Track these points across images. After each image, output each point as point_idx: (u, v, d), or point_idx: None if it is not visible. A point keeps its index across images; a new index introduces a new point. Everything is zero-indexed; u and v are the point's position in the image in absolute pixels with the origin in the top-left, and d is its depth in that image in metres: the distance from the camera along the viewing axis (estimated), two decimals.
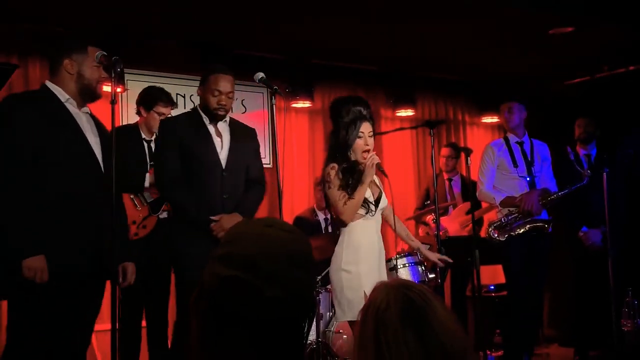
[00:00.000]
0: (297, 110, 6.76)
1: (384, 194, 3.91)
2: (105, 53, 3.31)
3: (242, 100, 6.50)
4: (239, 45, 6.10)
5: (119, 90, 5.43)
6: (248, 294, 1.29)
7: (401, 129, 6.04)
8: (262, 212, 6.35)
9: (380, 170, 3.76)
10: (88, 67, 3.32)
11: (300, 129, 6.84)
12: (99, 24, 5.33)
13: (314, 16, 5.49)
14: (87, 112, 3.40)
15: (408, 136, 7.34)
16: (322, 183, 3.88)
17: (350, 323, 3.89)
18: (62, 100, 3.29)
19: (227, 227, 3.61)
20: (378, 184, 3.94)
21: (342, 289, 3.73)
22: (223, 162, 3.80)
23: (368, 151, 3.78)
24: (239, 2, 5.14)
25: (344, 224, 3.77)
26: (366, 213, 3.77)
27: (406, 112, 7.17)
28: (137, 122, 4.71)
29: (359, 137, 3.79)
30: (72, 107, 3.31)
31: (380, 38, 6.03)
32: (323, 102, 6.97)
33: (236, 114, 6.45)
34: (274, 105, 3.77)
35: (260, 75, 3.80)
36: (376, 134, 3.97)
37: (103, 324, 5.09)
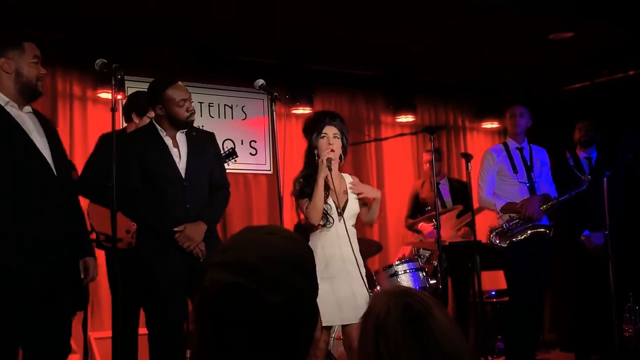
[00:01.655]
0: (297, 116, 6.76)
1: (352, 201, 3.85)
2: (105, 61, 3.31)
3: (242, 107, 6.50)
4: (238, 51, 6.11)
5: (119, 97, 5.43)
6: (250, 301, 1.29)
7: (401, 134, 6.06)
8: (262, 219, 6.37)
9: (328, 166, 3.70)
10: (25, 64, 3.15)
11: (300, 135, 6.78)
12: (99, 31, 5.34)
13: (314, 22, 5.50)
14: (30, 112, 3.23)
15: (408, 142, 7.34)
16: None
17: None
18: (2, 103, 3.12)
19: (193, 236, 3.61)
20: (347, 191, 3.89)
21: None
22: (182, 172, 3.74)
23: (333, 152, 3.76)
24: (239, 8, 5.15)
25: (315, 227, 3.77)
26: (324, 224, 3.75)
27: (406, 118, 7.17)
28: (125, 127, 4.60)
29: (322, 138, 3.80)
30: (13, 109, 3.14)
31: (380, 43, 6.05)
32: (323, 108, 6.96)
33: (236, 120, 6.47)
34: (274, 112, 3.78)
35: (261, 82, 3.81)
36: (376, 139, 3.99)
37: (104, 331, 5.10)
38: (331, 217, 3.75)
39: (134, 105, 4.57)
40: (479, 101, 7.64)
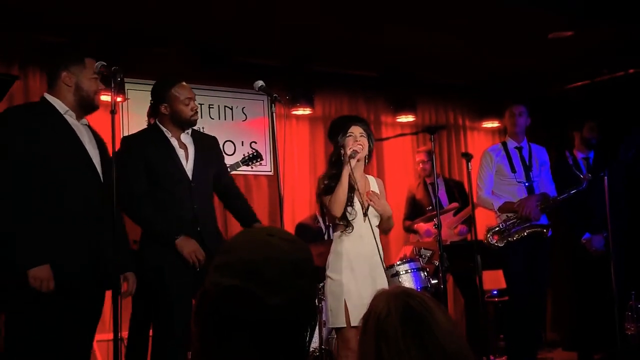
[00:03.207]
0: (297, 117, 6.76)
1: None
2: (104, 63, 3.32)
3: (242, 108, 6.50)
4: (238, 53, 6.11)
5: (119, 99, 5.43)
6: (250, 303, 1.30)
7: (402, 134, 6.06)
8: (263, 219, 6.36)
9: (351, 155, 3.75)
10: (86, 78, 3.34)
11: (300, 136, 6.84)
12: (98, 32, 5.34)
13: (314, 23, 5.50)
14: (86, 124, 3.42)
15: (409, 142, 7.34)
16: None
17: (336, 330, 3.90)
18: (62, 112, 3.30)
19: (184, 249, 3.62)
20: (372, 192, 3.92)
21: (327, 295, 3.83)
22: (189, 173, 3.77)
23: (357, 151, 3.80)
24: (239, 9, 5.15)
25: (336, 221, 3.82)
26: (346, 227, 3.80)
27: (407, 118, 7.17)
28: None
29: (348, 136, 3.84)
30: (71, 119, 3.32)
31: (380, 43, 6.05)
32: (323, 109, 6.97)
33: (237, 121, 6.47)
34: (274, 113, 3.77)
35: (260, 83, 3.81)
36: (377, 140, 4.00)
37: (106, 334, 5.10)
38: (354, 216, 3.79)
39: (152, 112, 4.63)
40: (480, 101, 7.63)
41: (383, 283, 3.80)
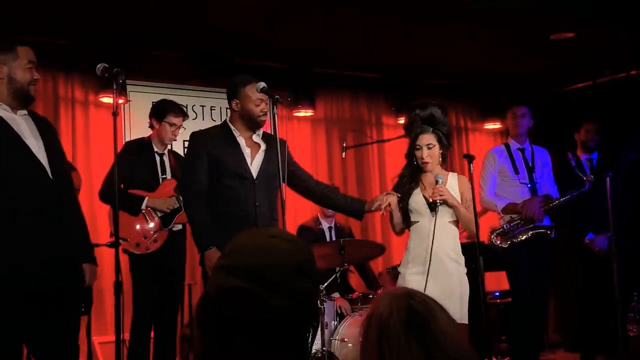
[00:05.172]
0: (299, 119, 6.76)
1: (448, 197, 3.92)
2: (106, 65, 3.30)
3: None
4: (240, 54, 6.11)
5: (120, 101, 5.44)
6: (253, 304, 1.30)
7: (404, 136, 6.03)
8: None
9: (435, 206, 3.86)
10: (18, 69, 3.14)
11: (302, 137, 6.84)
12: (100, 35, 5.35)
13: (315, 25, 5.50)
14: (24, 114, 3.21)
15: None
16: None
17: None
18: None
19: (208, 262, 3.69)
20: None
21: None
22: (254, 171, 3.85)
23: (426, 163, 3.95)
24: (240, 12, 5.15)
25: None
26: (409, 225, 3.97)
27: None
28: (150, 135, 4.73)
29: (417, 149, 3.99)
30: (6, 112, 3.13)
31: (381, 45, 6.04)
32: (325, 111, 6.97)
33: None
34: (276, 114, 3.76)
35: (262, 84, 3.81)
36: (378, 141, 4.01)
37: (107, 336, 5.10)
38: (419, 213, 3.90)
39: (153, 112, 4.67)
40: (482, 102, 7.63)
41: (449, 280, 3.84)
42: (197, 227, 3.83)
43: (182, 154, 5.14)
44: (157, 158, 4.67)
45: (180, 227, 4.66)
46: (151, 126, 4.72)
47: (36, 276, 3.03)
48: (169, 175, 4.69)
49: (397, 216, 3.97)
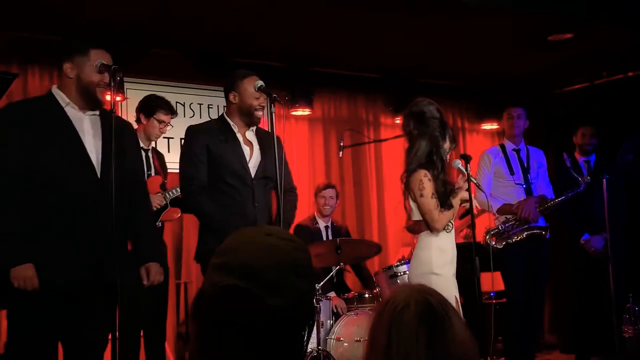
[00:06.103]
0: (296, 118, 6.76)
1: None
2: (104, 62, 3.30)
3: None
4: (238, 53, 6.11)
5: (118, 99, 5.43)
6: (249, 303, 1.30)
7: (401, 136, 6.02)
8: None
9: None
10: (87, 70, 3.25)
11: (300, 136, 6.84)
12: (99, 32, 5.34)
13: (313, 24, 5.50)
14: (93, 114, 3.31)
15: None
16: (408, 190, 4.03)
17: None
18: (63, 104, 3.24)
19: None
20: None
21: None
22: (252, 170, 3.83)
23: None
24: (239, 10, 5.15)
25: (437, 232, 3.82)
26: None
27: None
28: (136, 129, 4.68)
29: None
30: (73, 111, 3.24)
31: (379, 45, 6.05)
32: (323, 110, 6.97)
33: None
34: (273, 113, 3.76)
35: (260, 83, 3.81)
36: (375, 141, 4.00)
37: None
38: (451, 222, 3.86)
39: (142, 107, 4.64)
40: (479, 102, 7.64)
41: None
42: (209, 218, 3.77)
43: (163, 153, 5.12)
44: (142, 154, 4.58)
45: (160, 224, 4.64)
46: (138, 120, 4.68)
47: (68, 274, 3.08)
48: (153, 172, 4.66)
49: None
